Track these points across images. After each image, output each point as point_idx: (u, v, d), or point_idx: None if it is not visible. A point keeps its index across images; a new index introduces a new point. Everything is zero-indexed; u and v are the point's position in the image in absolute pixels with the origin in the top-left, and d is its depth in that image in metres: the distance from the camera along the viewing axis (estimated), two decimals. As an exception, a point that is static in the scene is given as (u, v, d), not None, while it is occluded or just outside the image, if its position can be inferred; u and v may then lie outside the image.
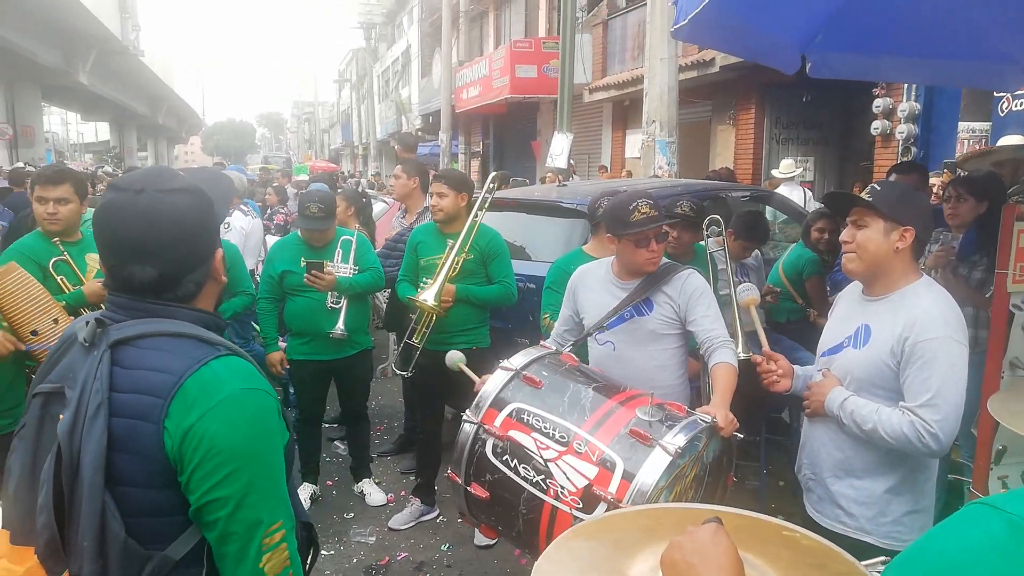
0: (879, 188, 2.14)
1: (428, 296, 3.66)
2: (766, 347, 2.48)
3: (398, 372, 4.19)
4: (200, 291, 1.38)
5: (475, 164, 23.78)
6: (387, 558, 3.79)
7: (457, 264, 3.77)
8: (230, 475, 1.25)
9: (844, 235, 2.17)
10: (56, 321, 2.89)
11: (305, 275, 3.89)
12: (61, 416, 1.27)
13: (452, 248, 3.75)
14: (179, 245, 1.33)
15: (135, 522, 1.25)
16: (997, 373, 2.88)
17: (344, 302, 4.05)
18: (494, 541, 3.77)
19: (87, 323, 1.33)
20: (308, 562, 1.49)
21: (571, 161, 11.81)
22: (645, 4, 10.01)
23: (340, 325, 3.99)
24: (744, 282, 3.34)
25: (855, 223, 2.14)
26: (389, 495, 4.44)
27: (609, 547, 1.23)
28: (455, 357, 2.90)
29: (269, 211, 9.94)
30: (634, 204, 2.70)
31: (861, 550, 1.66)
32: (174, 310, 1.35)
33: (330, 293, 4.01)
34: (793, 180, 8.68)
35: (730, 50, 4.44)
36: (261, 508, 1.29)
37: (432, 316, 3.76)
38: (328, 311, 4.03)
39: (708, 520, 1.03)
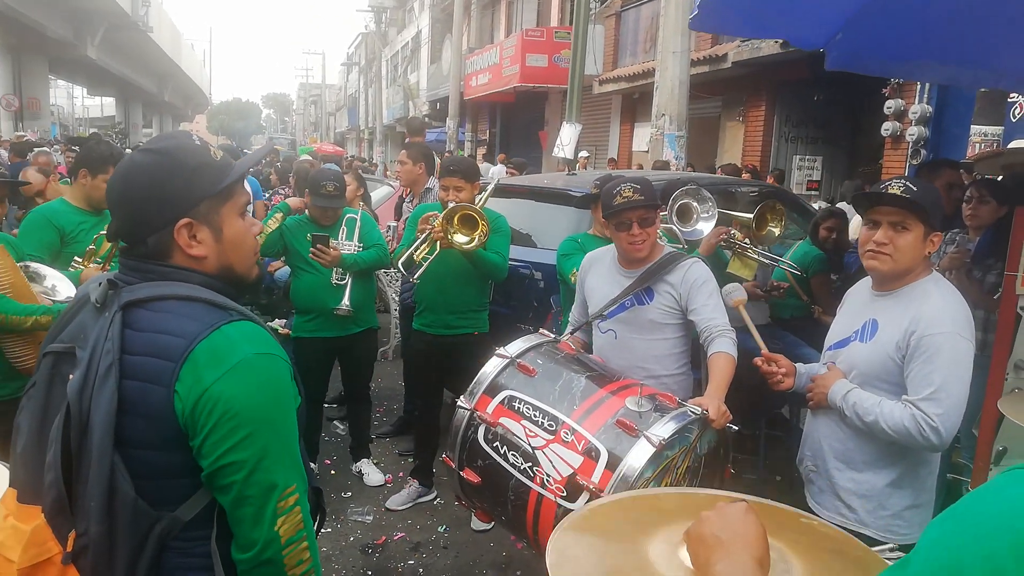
0: (917, 190, 2.03)
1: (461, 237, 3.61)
2: (763, 348, 2.46)
3: (402, 272, 4.00)
4: (168, 253, 1.34)
5: (481, 152, 23.74)
6: (384, 538, 3.80)
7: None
8: (246, 439, 1.25)
9: (880, 236, 2.06)
10: None
11: (311, 249, 3.89)
12: (71, 376, 1.27)
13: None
14: (128, 202, 1.33)
15: (144, 484, 1.25)
16: (1002, 374, 2.88)
17: (349, 279, 4.05)
18: (490, 525, 3.78)
19: (99, 284, 1.32)
20: (316, 527, 1.50)
21: (583, 154, 11.79)
22: (659, -4, 9.96)
23: (345, 301, 4.00)
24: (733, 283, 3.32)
25: (894, 225, 2.05)
26: (387, 476, 4.45)
27: (629, 524, 1.23)
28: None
29: (271, 192, 9.95)
30: (618, 188, 2.68)
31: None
32: (186, 273, 1.34)
33: (335, 270, 4.02)
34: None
35: (748, 33, 4.40)
36: (276, 472, 1.29)
37: (436, 242, 3.68)
38: (333, 288, 4.03)
39: (736, 501, 1.04)
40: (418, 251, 3.76)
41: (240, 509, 1.28)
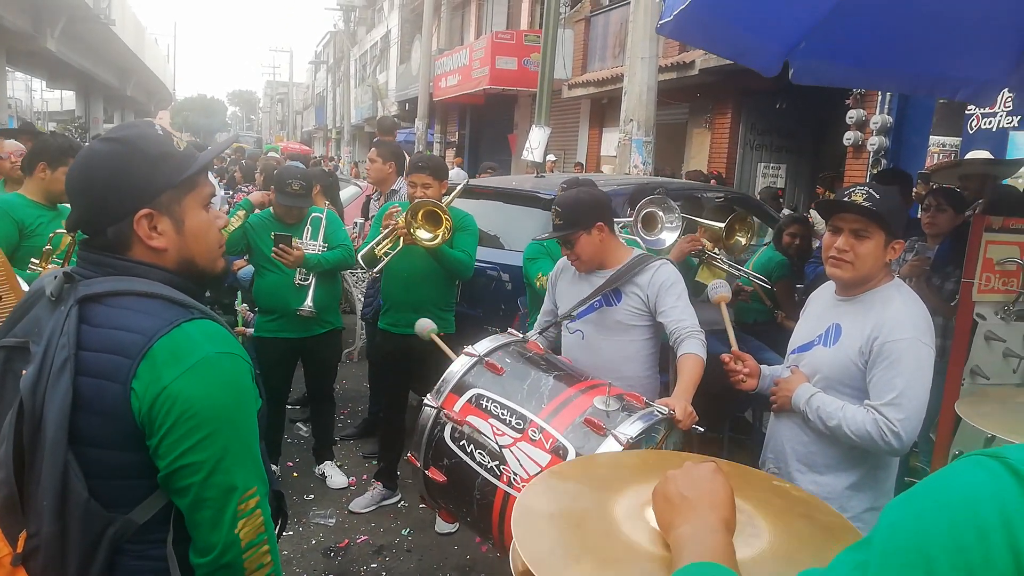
0: (879, 198, 2.04)
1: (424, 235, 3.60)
2: (735, 346, 2.48)
3: (366, 267, 4.01)
4: (128, 244, 1.30)
5: (450, 154, 23.64)
6: (346, 541, 3.75)
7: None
8: (205, 439, 1.22)
9: (841, 243, 2.08)
10: None
11: (273, 248, 3.83)
12: (24, 371, 1.23)
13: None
14: (88, 191, 1.30)
15: (98, 484, 1.21)
16: (958, 379, 2.94)
17: (312, 279, 4.00)
18: (455, 528, 3.76)
19: (55, 277, 1.28)
20: (277, 531, 1.47)
21: (551, 158, 11.83)
22: (628, 2, 10.03)
23: (308, 302, 3.94)
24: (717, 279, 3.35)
25: (856, 232, 2.07)
26: (351, 478, 4.40)
27: (595, 483, 1.21)
28: (427, 327, 2.88)
29: (235, 189, 9.86)
30: (553, 208, 2.77)
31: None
32: (146, 269, 1.30)
33: (298, 270, 3.96)
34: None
35: (714, 49, 4.46)
36: (236, 473, 1.26)
37: (399, 238, 3.66)
38: (296, 288, 3.98)
39: (704, 461, 1.01)
40: (380, 246, 3.74)
41: (198, 512, 1.25)
